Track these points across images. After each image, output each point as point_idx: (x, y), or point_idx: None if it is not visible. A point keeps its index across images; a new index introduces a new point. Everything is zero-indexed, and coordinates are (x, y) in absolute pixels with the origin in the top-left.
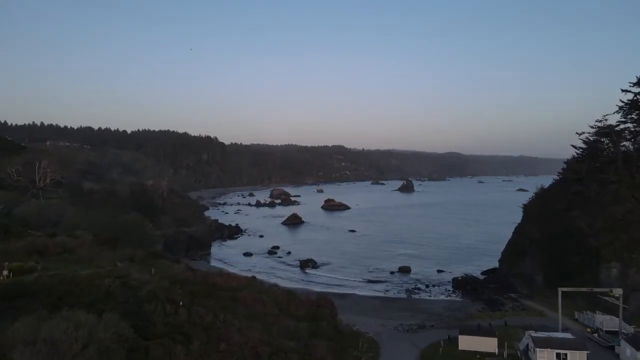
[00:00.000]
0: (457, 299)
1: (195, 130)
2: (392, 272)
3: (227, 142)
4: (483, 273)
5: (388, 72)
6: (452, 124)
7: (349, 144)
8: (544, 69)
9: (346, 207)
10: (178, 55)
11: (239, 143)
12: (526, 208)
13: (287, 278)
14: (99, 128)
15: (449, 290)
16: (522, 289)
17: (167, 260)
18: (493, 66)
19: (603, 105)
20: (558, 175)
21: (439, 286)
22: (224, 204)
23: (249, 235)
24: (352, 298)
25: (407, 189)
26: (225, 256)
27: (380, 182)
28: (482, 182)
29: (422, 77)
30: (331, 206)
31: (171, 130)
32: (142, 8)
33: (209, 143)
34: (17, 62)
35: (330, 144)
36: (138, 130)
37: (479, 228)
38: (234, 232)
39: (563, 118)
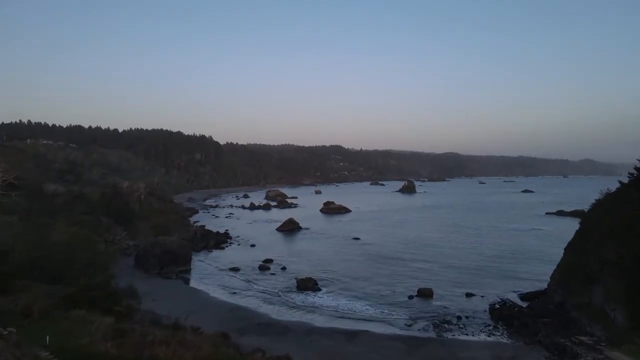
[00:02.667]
0: (505, 339)
1: (189, 129)
2: (410, 297)
3: (222, 141)
4: (523, 298)
5: (385, 71)
6: (450, 124)
7: (346, 144)
8: (542, 70)
9: (347, 210)
10: (173, 53)
11: (234, 142)
12: (586, 219)
13: (282, 305)
14: (89, 127)
15: (489, 326)
16: (593, 328)
17: (96, 308)
18: (491, 66)
19: (601, 106)
20: (629, 177)
21: (473, 318)
22: (216, 206)
23: (239, 244)
24: (366, 339)
25: (408, 190)
26: (208, 273)
27: (380, 182)
28: (484, 183)
29: (419, 76)
30: (330, 209)
31: (164, 129)
32: (136, 5)
33: (202, 142)
34: (4, 60)
35: (328, 144)
36: (130, 129)
37: (499, 237)
38: (222, 240)
39: (561, 117)
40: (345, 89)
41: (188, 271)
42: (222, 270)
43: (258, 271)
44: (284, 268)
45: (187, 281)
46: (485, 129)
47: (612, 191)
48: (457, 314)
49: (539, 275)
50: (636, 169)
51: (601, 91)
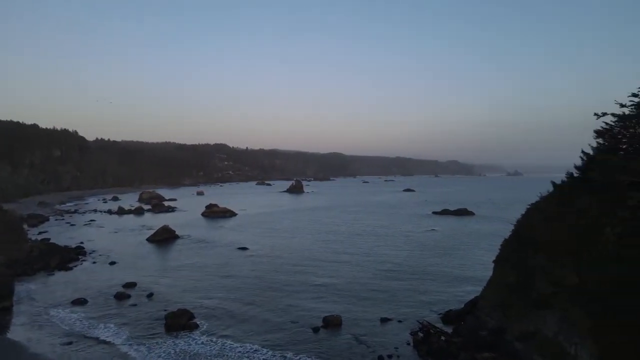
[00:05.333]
0: None
1: (49, 122)
2: (315, 329)
3: (91, 137)
4: (445, 320)
5: (269, 70)
6: (333, 125)
7: (232, 143)
8: (414, 77)
9: (232, 214)
10: (27, 34)
11: (105, 139)
12: (523, 227)
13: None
14: None
15: None
16: None
17: None
18: (367, 69)
19: (464, 112)
20: (566, 177)
21: (397, 357)
22: (75, 211)
23: (94, 261)
24: None
25: (296, 190)
26: (37, 311)
27: (266, 182)
28: (367, 182)
29: (303, 77)
30: (214, 213)
31: (15, 120)
32: None
33: (64, 137)
34: None
35: (212, 142)
36: None
37: (397, 242)
38: (71, 257)
39: (434, 119)
40: (229, 86)
41: (8, 309)
42: (60, 304)
43: (114, 302)
44: (150, 295)
45: (2, 330)
46: (365, 130)
47: (548, 194)
48: (378, 350)
49: (451, 287)
50: (580, 168)
51: (464, 99)
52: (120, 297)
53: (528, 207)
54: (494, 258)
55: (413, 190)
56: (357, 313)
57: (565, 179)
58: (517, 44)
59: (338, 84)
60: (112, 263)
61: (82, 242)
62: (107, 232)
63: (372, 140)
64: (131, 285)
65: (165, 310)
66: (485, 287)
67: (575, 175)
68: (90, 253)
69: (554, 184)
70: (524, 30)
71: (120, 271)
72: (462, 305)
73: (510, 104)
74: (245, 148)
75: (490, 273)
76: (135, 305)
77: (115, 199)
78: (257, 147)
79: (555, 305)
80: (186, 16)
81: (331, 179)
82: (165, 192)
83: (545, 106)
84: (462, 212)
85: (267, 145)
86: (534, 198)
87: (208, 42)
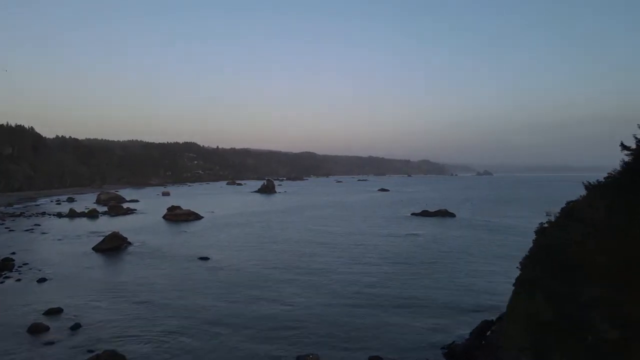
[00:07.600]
0: None
1: (4, 118)
2: None
3: (50, 135)
4: (449, 357)
5: (240, 70)
6: (306, 124)
7: (202, 142)
8: (386, 76)
9: (197, 217)
10: None
11: (66, 136)
12: (557, 241)
13: None
14: None
15: None
16: None
17: None
18: (339, 68)
19: (433, 112)
20: (608, 177)
21: None
22: (20, 214)
23: (20, 278)
24: None
25: (268, 190)
26: None
27: (237, 182)
28: (341, 182)
29: (275, 76)
30: (176, 216)
31: None
32: None
33: (16, 133)
34: None
35: (181, 141)
36: None
37: (378, 249)
38: None
39: (406, 118)
40: (200, 84)
41: None
42: None
43: (25, 337)
44: (76, 326)
45: None
46: (336, 129)
47: (582, 198)
48: None
49: (449, 313)
50: (628, 164)
51: (435, 99)
52: (35, 330)
53: (557, 215)
54: (489, 269)
55: (388, 190)
56: (338, 350)
57: (602, 179)
58: (490, 44)
59: (310, 83)
60: (42, 280)
61: (14, 253)
62: (49, 239)
63: (345, 140)
64: (55, 312)
65: (90, 352)
66: (506, 319)
67: (621, 175)
68: (19, 267)
69: (588, 185)
70: (500, 30)
71: (48, 291)
72: (467, 337)
73: (478, 105)
74: (215, 147)
75: (494, 293)
76: (51, 343)
77: (70, 200)
78: (228, 146)
79: (624, 356)
80: (151, 14)
81: (304, 178)
82: (128, 193)
83: (512, 107)
84: (443, 214)
85: (239, 145)
86: (510, 196)
87: (177, 40)
